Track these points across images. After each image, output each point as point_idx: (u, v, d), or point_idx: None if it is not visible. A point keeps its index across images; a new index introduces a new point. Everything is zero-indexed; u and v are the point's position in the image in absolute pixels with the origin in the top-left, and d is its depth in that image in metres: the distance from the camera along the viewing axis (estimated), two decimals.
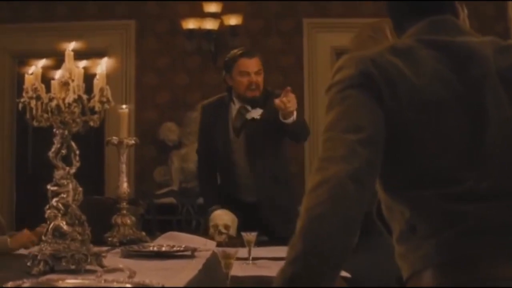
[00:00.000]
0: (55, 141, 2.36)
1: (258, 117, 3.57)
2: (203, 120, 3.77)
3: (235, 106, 3.63)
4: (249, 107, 3.59)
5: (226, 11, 6.38)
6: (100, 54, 6.50)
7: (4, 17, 6.78)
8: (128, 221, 3.12)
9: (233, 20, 6.24)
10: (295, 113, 3.37)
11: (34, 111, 2.32)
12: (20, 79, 2.46)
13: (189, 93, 6.60)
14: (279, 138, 3.58)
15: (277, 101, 3.31)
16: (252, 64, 3.54)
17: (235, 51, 3.65)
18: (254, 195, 3.58)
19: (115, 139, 3.23)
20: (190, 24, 6.26)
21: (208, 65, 6.54)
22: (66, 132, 2.36)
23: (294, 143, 3.79)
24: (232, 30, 6.29)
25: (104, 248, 2.67)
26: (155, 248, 2.84)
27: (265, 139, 3.55)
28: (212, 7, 6.36)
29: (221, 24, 6.33)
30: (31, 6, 6.75)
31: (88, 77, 2.44)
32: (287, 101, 3.31)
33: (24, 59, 6.58)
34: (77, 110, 2.34)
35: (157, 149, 6.49)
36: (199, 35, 6.34)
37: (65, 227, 2.30)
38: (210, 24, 6.21)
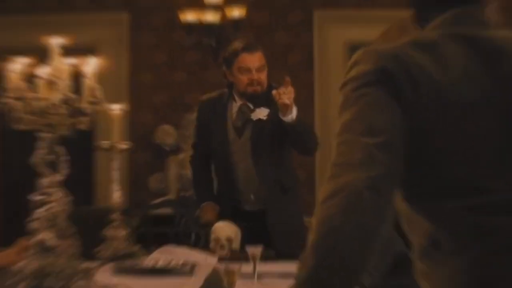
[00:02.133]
0: (41, 146, 2.36)
1: (265, 117, 3.56)
2: (199, 116, 3.79)
3: (236, 104, 3.64)
4: (251, 105, 3.59)
5: (228, 2, 6.37)
6: (90, 50, 6.57)
7: None
8: (121, 234, 3.11)
9: (236, 12, 6.22)
10: (294, 111, 3.37)
11: (17, 113, 2.32)
12: (1, 77, 2.44)
13: (188, 93, 6.59)
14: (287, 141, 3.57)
15: (274, 91, 3.34)
16: (253, 60, 3.54)
17: (236, 44, 3.66)
18: (257, 203, 3.57)
19: (106, 144, 3.25)
20: (189, 16, 6.24)
21: (208, 62, 6.53)
22: (53, 136, 2.35)
23: (299, 154, 3.75)
24: (235, 23, 6.28)
25: (95, 264, 2.66)
26: (150, 264, 2.83)
27: (271, 141, 3.55)
28: None
29: (223, 16, 6.31)
30: None
31: (77, 76, 2.43)
32: (283, 92, 3.33)
33: (5, 55, 6.62)
34: (64, 112, 2.33)
35: (152, 154, 6.47)
36: (198, 29, 6.32)
37: (51, 240, 2.29)
38: (210, 17, 6.19)
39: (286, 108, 3.35)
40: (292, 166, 3.76)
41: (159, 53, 6.71)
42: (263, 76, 3.56)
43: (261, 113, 3.58)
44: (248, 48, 3.60)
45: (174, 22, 6.52)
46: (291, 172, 3.74)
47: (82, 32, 6.42)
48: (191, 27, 6.29)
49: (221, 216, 3.48)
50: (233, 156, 3.61)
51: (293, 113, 3.37)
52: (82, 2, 6.80)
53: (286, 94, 3.32)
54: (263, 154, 3.56)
